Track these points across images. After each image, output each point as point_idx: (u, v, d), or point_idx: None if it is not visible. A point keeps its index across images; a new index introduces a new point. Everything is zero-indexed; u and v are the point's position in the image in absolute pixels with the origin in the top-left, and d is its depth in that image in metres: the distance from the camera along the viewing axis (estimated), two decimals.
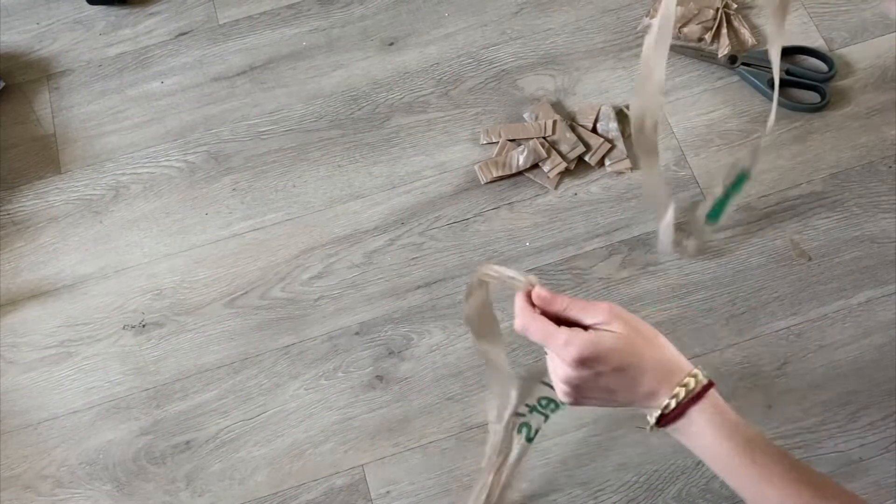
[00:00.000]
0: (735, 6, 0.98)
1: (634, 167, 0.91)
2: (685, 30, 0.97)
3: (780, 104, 0.92)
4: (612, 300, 0.85)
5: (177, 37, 1.02)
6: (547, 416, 0.76)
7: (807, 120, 0.93)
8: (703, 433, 0.51)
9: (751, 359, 0.83)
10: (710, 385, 0.52)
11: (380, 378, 0.85)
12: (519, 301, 0.54)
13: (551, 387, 0.60)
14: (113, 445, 0.83)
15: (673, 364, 0.51)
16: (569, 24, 1.00)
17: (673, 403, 0.50)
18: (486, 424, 0.82)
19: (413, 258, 0.89)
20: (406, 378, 0.85)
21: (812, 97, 0.94)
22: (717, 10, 0.97)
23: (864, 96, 0.93)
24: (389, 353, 0.86)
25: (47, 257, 0.92)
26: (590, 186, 0.91)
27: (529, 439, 0.78)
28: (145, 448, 0.83)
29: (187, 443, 0.83)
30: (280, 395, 0.85)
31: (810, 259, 0.86)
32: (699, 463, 0.79)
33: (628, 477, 0.80)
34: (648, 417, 0.52)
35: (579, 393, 0.53)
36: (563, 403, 0.61)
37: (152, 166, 0.95)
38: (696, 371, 0.52)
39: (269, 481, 0.82)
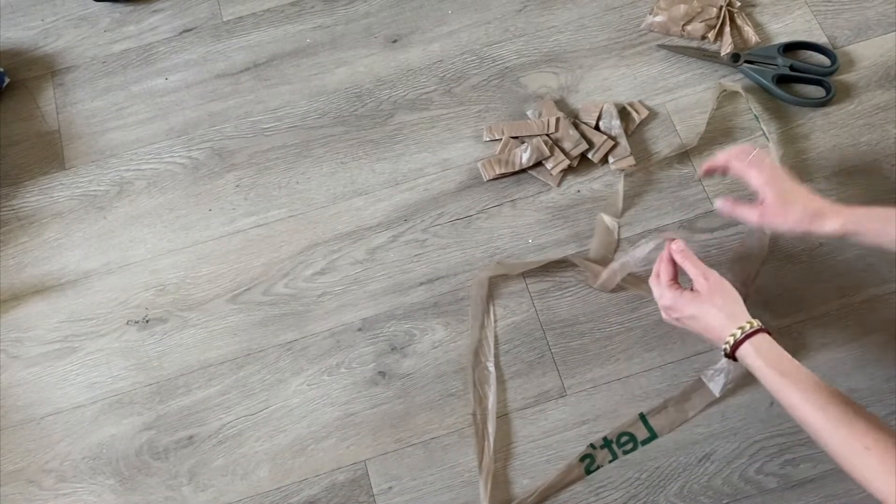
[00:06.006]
0: (739, 4, 0.98)
1: (637, 164, 0.91)
2: (688, 28, 0.97)
3: (784, 100, 0.93)
4: (614, 296, 0.86)
5: (181, 34, 1.03)
6: (615, 457, 0.80)
7: (810, 118, 0.93)
8: (753, 362, 0.69)
9: None
10: (761, 330, 0.70)
11: (382, 374, 0.85)
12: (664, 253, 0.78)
13: (648, 426, 0.80)
14: (116, 440, 0.84)
15: (736, 315, 0.71)
16: (572, 21, 1.00)
17: (732, 340, 0.70)
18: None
19: (416, 255, 0.90)
20: (408, 374, 0.85)
21: (816, 92, 0.94)
22: (721, 7, 0.97)
23: (868, 94, 0.93)
24: (392, 350, 0.86)
25: (51, 253, 0.92)
26: (592, 184, 0.92)
27: (588, 471, 0.80)
28: (148, 443, 0.83)
29: (190, 438, 0.83)
30: (283, 390, 0.85)
31: (821, 244, 0.86)
32: (701, 460, 0.80)
33: (630, 474, 0.80)
34: (724, 347, 0.71)
35: (672, 319, 0.76)
36: (642, 445, 0.80)
37: (156, 162, 0.96)
38: (752, 320, 0.70)
39: (272, 476, 0.82)
